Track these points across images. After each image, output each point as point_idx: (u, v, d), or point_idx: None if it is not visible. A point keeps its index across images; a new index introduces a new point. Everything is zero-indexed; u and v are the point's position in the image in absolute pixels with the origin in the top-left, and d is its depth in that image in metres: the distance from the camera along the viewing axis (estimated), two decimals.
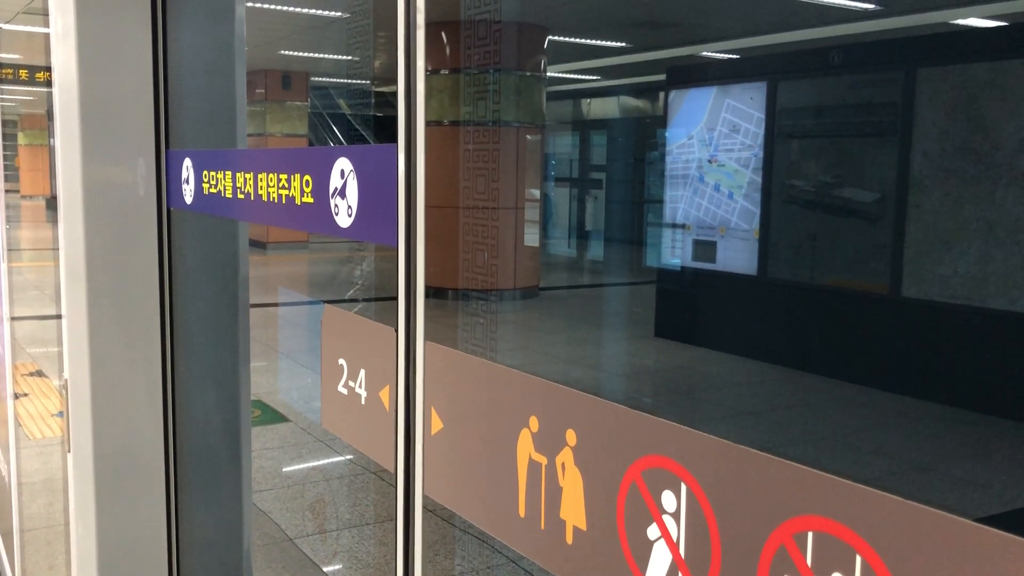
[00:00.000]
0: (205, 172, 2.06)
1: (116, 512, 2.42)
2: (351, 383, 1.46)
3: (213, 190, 2.01)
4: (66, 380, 2.39)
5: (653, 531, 0.88)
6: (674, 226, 9.04)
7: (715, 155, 8.72)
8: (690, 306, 9.08)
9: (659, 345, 8.77)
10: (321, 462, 5.51)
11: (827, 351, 7.46)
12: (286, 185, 1.65)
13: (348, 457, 5.45)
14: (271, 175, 1.71)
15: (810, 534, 0.73)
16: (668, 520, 0.86)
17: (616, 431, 0.92)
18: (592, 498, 0.96)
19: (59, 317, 2.49)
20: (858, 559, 0.69)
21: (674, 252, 9.04)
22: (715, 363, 8.25)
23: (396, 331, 1.32)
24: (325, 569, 4.09)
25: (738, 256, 8.31)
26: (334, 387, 1.51)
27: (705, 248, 8.72)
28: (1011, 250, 6.07)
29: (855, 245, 7.27)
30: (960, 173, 6.35)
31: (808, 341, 7.62)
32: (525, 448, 1.06)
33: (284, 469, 5.34)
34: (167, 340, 2.42)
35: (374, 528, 4.42)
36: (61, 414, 2.48)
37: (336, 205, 1.47)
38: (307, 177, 1.56)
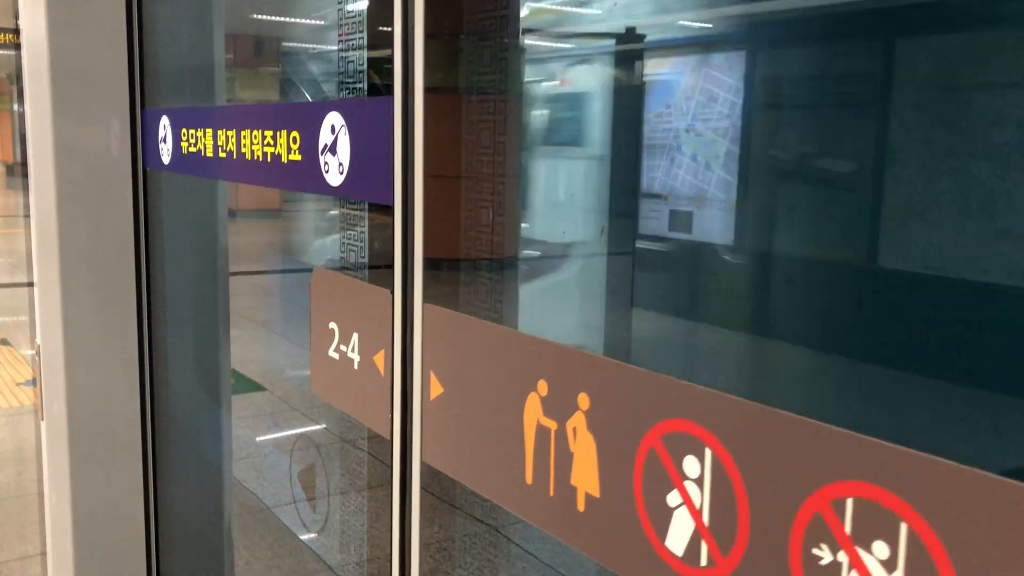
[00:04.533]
0: (184, 130, 1.99)
1: (91, 480, 2.36)
2: (343, 347, 1.41)
3: (192, 149, 1.94)
4: (39, 347, 2.32)
5: (673, 498, 0.84)
6: (651, 196, 9.01)
7: (693, 124, 8.69)
8: (667, 276, 9.07)
9: (636, 315, 8.75)
10: (296, 431, 5.45)
11: (802, 320, 7.48)
12: (271, 142, 1.58)
13: (323, 426, 5.40)
14: (255, 132, 1.64)
15: (849, 500, 0.69)
16: (690, 487, 0.83)
17: (633, 394, 0.88)
18: (606, 464, 0.92)
19: (26, 285, 2.41)
20: (903, 526, 0.66)
21: (652, 222, 9.02)
22: (691, 333, 8.26)
23: (392, 293, 1.27)
24: (303, 537, 4.05)
25: (715, 226, 8.30)
26: (324, 351, 1.46)
27: (682, 218, 8.71)
28: (984, 223, 6.09)
29: (832, 215, 7.28)
30: (938, 145, 6.36)
31: (784, 311, 7.64)
32: (533, 413, 1.02)
33: (258, 438, 5.28)
34: (143, 306, 2.35)
35: (353, 496, 4.38)
36: (31, 382, 2.41)
37: (326, 162, 1.41)
38: (294, 133, 1.50)
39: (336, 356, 1.43)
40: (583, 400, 0.94)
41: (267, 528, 4.07)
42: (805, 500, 0.72)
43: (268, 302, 8.86)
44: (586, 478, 0.94)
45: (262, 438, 5.28)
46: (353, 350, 1.38)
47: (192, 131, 1.94)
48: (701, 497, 0.82)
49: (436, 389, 1.19)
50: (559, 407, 0.98)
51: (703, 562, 0.82)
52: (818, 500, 0.71)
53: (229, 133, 1.75)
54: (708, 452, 0.80)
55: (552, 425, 0.99)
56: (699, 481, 0.82)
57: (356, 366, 1.37)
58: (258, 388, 6.11)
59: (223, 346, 2.49)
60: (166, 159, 2.10)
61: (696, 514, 0.82)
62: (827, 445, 0.71)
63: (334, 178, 1.38)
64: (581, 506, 0.95)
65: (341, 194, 1.37)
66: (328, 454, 5.05)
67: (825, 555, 0.71)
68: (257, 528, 4.08)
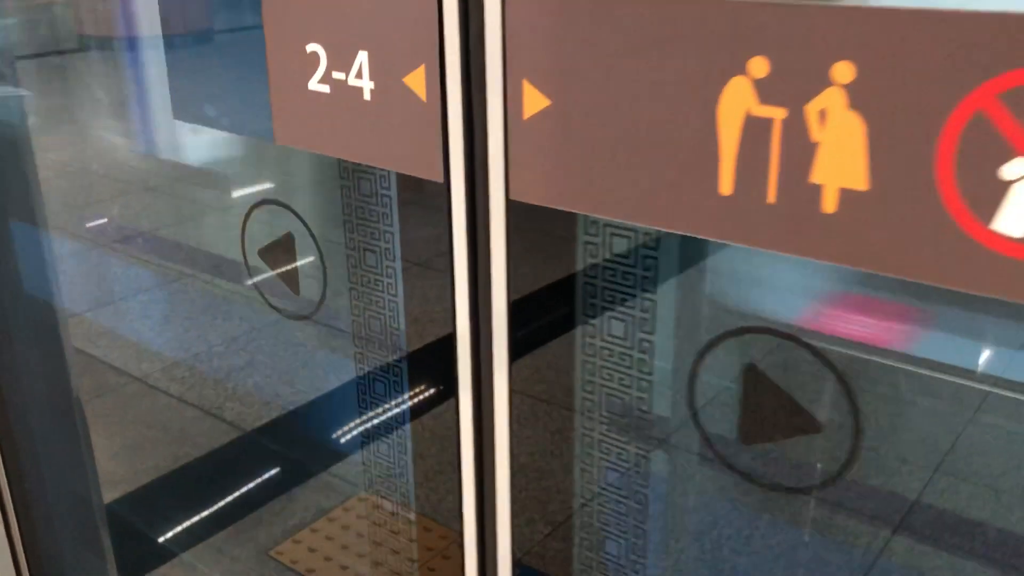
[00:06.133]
0: None
1: None
2: (337, 75, 1.08)
3: None
4: None
5: (1015, 169, 0.69)
6: None
7: None
8: None
9: None
10: None
11: None
12: None
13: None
14: None
15: None
16: None
17: (946, 48, 0.69)
18: (884, 146, 0.74)
19: None
20: None
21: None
22: None
23: None
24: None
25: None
26: (302, 87, 1.12)
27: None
28: None
29: None
30: None
31: None
32: (739, 103, 0.80)
33: None
34: None
35: (124, 304, 3.92)
36: None
37: None
38: None
39: (325, 88, 1.09)
40: (842, 71, 0.74)
41: None
42: None
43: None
44: (843, 170, 0.76)
45: None
46: (360, 75, 1.05)
47: None
48: None
49: (535, 103, 0.92)
50: (791, 88, 0.77)
51: None
52: None
53: None
54: None
55: (778, 114, 0.79)
56: None
57: (368, 95, 1.05)
58: None
59: (33, 184, 1.95)
60: None
61: None
62: None
63: None
64: (830, 206, 0.78)
65: None
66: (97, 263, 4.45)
67: None
68: None
